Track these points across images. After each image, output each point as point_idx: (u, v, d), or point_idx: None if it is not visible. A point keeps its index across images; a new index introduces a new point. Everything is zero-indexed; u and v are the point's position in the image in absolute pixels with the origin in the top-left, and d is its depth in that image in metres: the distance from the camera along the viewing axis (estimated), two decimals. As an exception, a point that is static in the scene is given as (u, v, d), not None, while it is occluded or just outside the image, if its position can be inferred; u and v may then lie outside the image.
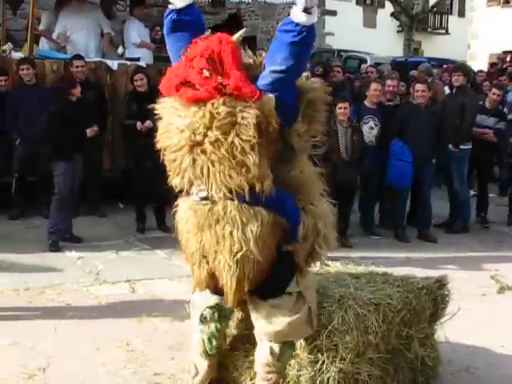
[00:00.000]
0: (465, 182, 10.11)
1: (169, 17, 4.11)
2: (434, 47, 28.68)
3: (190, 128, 3.81)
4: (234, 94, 3.76)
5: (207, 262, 4.06)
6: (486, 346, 5.75)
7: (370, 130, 9.26)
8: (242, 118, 3.75)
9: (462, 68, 10.93)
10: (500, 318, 6.48)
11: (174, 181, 4.03)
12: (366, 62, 19.31)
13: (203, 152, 3.82)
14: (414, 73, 14.02)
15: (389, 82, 10.32)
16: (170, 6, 4.08)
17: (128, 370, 5.10)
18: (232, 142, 3.75)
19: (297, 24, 3.78)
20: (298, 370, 4.34)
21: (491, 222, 10.55)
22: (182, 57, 3.98)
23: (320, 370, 4.21)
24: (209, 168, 3.83)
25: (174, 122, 3.90)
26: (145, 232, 9.03)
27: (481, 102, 10.59)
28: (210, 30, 4.22)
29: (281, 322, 4.13)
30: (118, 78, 9.95)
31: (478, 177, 10.86)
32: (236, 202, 3.86)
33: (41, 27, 10.84)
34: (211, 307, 4.34)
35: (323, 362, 4.21)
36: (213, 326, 4.36)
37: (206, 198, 3.92)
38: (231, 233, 3.86)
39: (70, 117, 8.14)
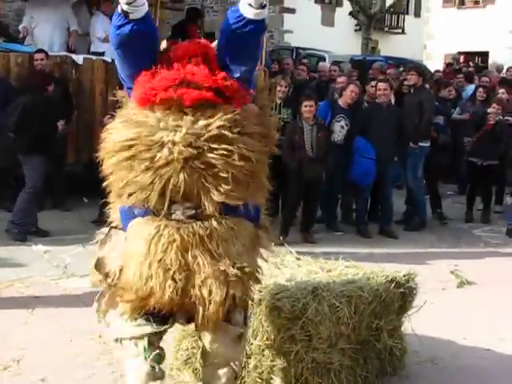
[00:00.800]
0: (419, 179, 10.29)
1: (126, 28, 3.68)
2: (391, 46, 29.00)
3: (186, 140, 3.55)
4: (233, 96, 3.66)
5: (178, 283, 3.62)
6: (449, 338, 5.92)
7: (341, 128, 9.47)
8: (244, 127, 3.64)
9: (416, 68, 11.21)
10: (461, 311, 6.68)
11: (149, 200, 3.64)
12: (324, 59, 19.43)
13: (201, 165, 3.57)
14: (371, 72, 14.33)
15: (339, 79, 10.70)
16: (131, 16, 3.65)
17: (102, 361, 5.15)
18: (239, 153, 3.57)
19: (252, 21, 3.67)
20: (271, 361, 4.47)
21: (449, 218, 10.82)
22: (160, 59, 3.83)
23: (294, 359, 4.34)
24: (203, 183, 3.57)
25: (158, 134, 3.58)
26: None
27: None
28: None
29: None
30: (83, 73, 9.94)
31: (428, 173, 10.91)
32: (228, 216, 3.65)
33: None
34: (156, 333, 3.91)
35: (297, 351, 4.33)
36: (157, 351, 3.93)
37: (192, 217, 3.62)
38: (227, 249, 3.62)
39: (44, 111, 8.21)
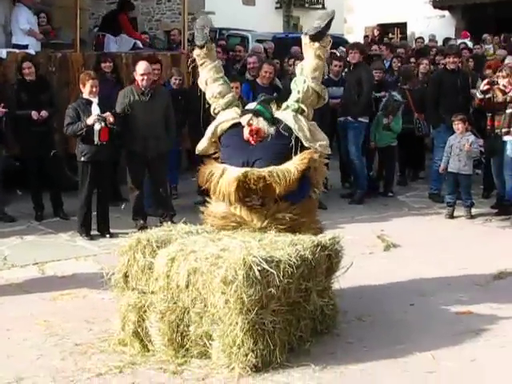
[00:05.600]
0: (360, 152, 10.58)
1: None
2: (312, 22, 29.32)
3: None
4: None
5: None
6: (376, 296, 6.36)
7: None
8: None
9: (358, 45, 11.49)
10: (386, 272, 7.07)
11: None
12: (247, 39, 19.61)
13: None
14: (294, 49, 14.55)
15: (250, 59, 11.08)
16: None
17: (49, 343, 5.38)
18: None
19: None
20: (209, 325, 4.82)
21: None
22: None
23: (229, 322, 4.67)
24: None
25: None
26: (43, 219, 9.17)
27: (326, 76, 11.12)
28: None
29: None
30: (7, 66, 9.94)
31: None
32: None
33: None
34: None
35: (231, 314, 4.66)
36: None
37: None
38: None
39: None
